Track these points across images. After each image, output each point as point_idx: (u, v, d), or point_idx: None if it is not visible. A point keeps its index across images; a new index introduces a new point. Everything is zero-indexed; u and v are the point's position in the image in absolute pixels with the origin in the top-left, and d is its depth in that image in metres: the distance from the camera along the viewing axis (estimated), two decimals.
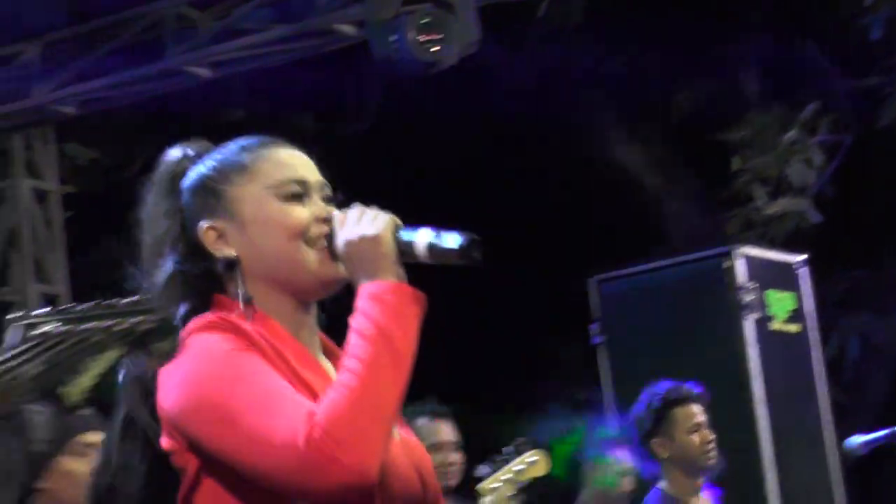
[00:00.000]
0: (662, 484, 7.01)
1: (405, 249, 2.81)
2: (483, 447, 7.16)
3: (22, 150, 11.02)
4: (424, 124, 13.44)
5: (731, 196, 13.34)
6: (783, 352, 8.86)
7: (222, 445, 2.69)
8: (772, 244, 11.15)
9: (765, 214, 12.95)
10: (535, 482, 6.97)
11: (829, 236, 12.62)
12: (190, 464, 2.78)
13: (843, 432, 7.05)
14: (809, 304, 9.21)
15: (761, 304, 8.81)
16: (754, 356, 8.65)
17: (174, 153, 3.04)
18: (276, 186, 2.91)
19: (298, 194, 2.92)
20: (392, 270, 2.78)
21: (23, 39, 10.28)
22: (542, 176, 14.53)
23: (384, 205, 2.87)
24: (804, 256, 9.42)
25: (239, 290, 2.87)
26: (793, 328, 9.08)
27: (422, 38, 8.56)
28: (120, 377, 2.77)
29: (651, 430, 7.03)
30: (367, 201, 2.87)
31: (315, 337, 2.99)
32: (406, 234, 2.82)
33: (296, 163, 2.98)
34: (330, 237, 2.88)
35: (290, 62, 10.35)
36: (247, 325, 2.78)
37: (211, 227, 2.90)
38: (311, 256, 2.88)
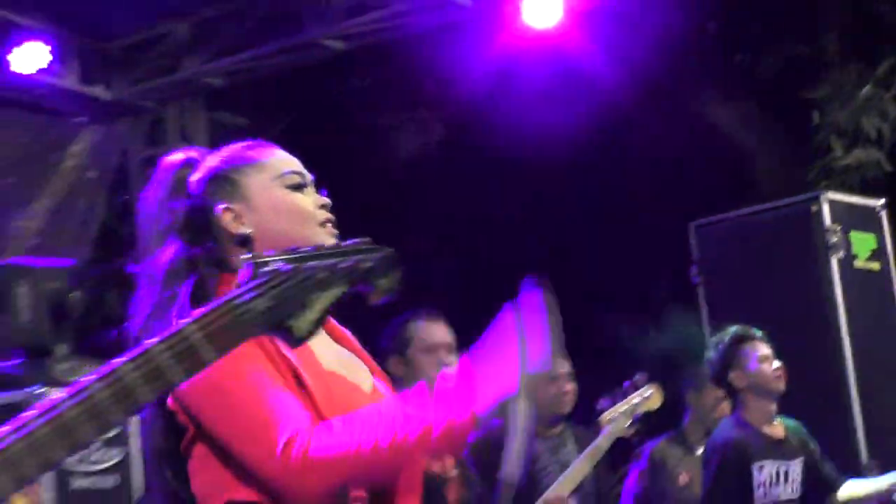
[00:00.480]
0: (740, 411, 7.08)
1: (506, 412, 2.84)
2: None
3: (176, 118, 11.03)
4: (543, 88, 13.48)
5: (813, 148, 13.21)
6: (865, 288, 8.77)
7: (218, 431, 2.85)
8: (850, 191, 11.02)
9: (842, 164, 12.83)
10: (650, 414, 7.01)
11: None
12: (189, 428, 2.92)
13: None
14: (889, 244, 9.16)
15: (845, 244, 8.73)
16: (839, 292, 8.59)
17: (177, 157, 3.23)
18: (282, 177, 3.14)
19: (300, 184, 3.15)
20: (487, 409, 2.79)
21: (172, 19, 10.27)
22: (649, 135, 14.47)
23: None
24: (883, 200, 9.34)
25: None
26: (874, 266, 9.01)
27: None
28: None
29: (727, 365, 7.08)
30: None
31: None
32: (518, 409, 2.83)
33: (293, 160, 3.22)
34: (334, 222, 3.12)
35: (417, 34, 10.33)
36: None
37: (227, 209, 3.08)
38: (320, 236, 3.06)
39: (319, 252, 2.35)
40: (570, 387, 7.04)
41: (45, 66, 9.65)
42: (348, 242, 2.44)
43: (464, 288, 12.82)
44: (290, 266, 2.28)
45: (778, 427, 7.14)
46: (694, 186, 13.04)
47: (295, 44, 10.06)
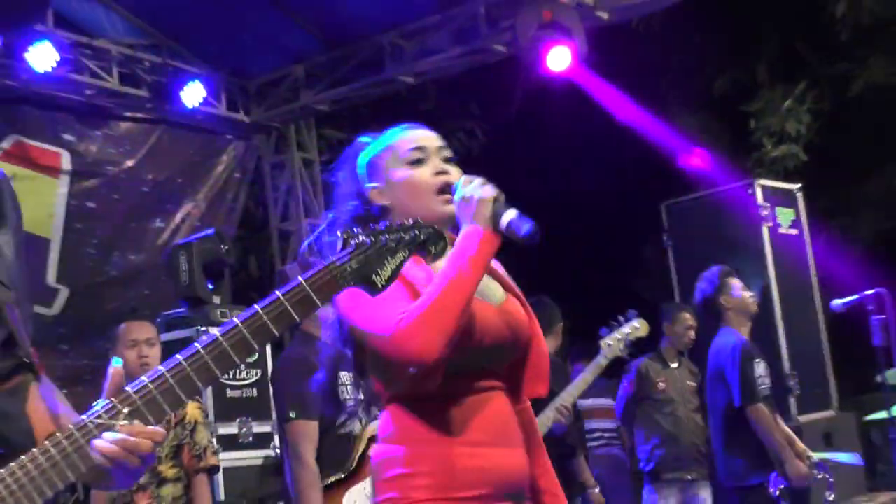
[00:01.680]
0: (730, 326, 6.93)
1: (496, 217, 2.79)
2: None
3: (294, 134, 11.15)
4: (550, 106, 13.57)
5: (751, 145, 13.29)
6: (787, 247, 8.86)
7: (355, 333, 2.86)
8: (777, 177, 11.13)
9: (772, 156, 12.94)
10: (639, 339, 6.97)
11: (814, 170, 12.57)
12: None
13: (825, 299, 7.09)
14: (803, 216, 9.25)
15: (773, 217, 8.86)
16: (769, 251, 8.74)
17: (354, 145, 3.17)
18: (404, 155, 2.98)
19: (419, 159, 2.98)
20: (483, 222, 2.79)
21: (293, 63, 10.42)
22: (634, 139, 14.54)
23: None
24: (799, 185, 9.47)
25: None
26: (793, 231, 9.11)
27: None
28: None
29: (717, 292, 6.97)
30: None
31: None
32: (501, 207, 2.80)
33: (418, 136, 3.03)
34: (450, 186, 2.93)
35: (463, 71, 10.34)
36: None
37: (373, 187, 3.01)
38: (435, 204, 2.93)
39: (389, 229, 2.41)
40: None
41: (202, 99, 9.80)
42: (407, 223, 2.46)
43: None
44: (369, 239, 2.38)
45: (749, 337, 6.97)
46: (665, 175, 13.21)
47: (379, 80, 10.11)
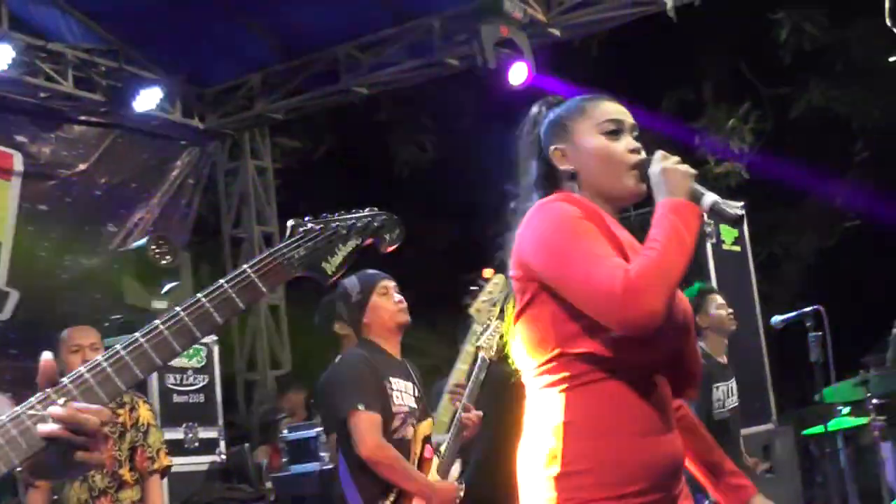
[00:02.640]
0: (702, 345, 6.70)
1: (695, 194, 2.68)
2: None
3: (248, 141, 11.16)
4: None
5: (695, 162, 13.38)
6: (730, 263, 8.88)
7: (561, 282, 2.61)
8: (720, 194, 11.21)
9: (716, 172, 13.04)
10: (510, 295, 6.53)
11: (756, 188, 12.70)
12: (529, 288, 2.70)
13: (765, 314, 7.12)
14: (746, 234, 9.25)
15: (717, 233, 8.88)
16: (712, 266, 8.70)
17: (535, 107, 2.99)
18: (600, 124, 2.81)
19: (615, 131, 2.81)
20: (687, 195, 2.66)
21: (248, 72, 10.43)
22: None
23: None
24: (742, 203, 9.54)
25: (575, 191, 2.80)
26: (736, 248, 9.13)
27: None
28: None
29: (694, 310, 6.83)
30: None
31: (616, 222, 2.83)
32: (699, 187, 2.71)
33: (615, 109, 2.87)
34: (641, 165, 2.77)
35: (417, 84, 10.38)
36: (586, 202, 2.74)
37: (557, 149, 2.84)
38: (626, 178, 2.78)
39: (342, 216, 2.34)
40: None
41: (157, 104, 9.78)
42: (361, 211, 2.40)
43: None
44: (319, 226, 2.29)
45: (724, 356, 6.87)
46: None
47: (334, 90, 10.15)
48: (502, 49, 8.58)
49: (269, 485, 8.00)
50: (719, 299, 6.88)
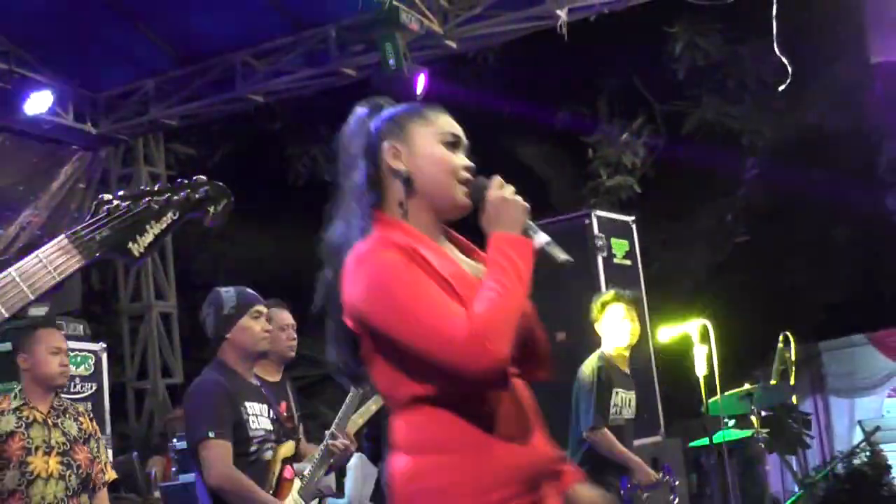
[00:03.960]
0: (603, 348, 6.89)
1: (528, 231, 2.69)
2: None
3: (141, 148, 11.08)
4: None
5: (588, 174, 13.52)
6: (621, 277, 8.77)
7: (403, 337, 2.56)
8: (612, 207, 11.30)
9: (608, 185, 13.15)
10: None
11: (647, 202, 12.83)
12: (365, 338, 2.67)
13: (655, 327, 7.18)
14: (637, 247, 9.26)
15: (608, 247, 8.83)
16: (602, 279, 8.62)
17: (363, 107, 2.90)
18: (442, 133, 2.80)
19: (454, 143, 2.81)
20: (520, 232, 2.67)
21: (143, 78, 10.32)
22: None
23: None
24: (633, 217, 9.61)
25: (401, 197, 2.76)
26: (627, 262, 9.09)
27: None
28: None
29: (594, 319, 6.92)
30: None
31: (442, 234, 2.84)
32: (532, 224, 2.71)
33: (455, 124, 2.87)
34: (473, 183, 2.77)
35: (313, 93, 10.35)
36: (403, 241, 2.65)
37: (392, 146, 2.77)
38: (457, 191, 2.76)
39: (157, 189, 2.19)
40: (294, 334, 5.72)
41: (48, 108, 9.60)
42: (186, 180, 2.25)
43: None
44: (126, 203, 2.15)
45: (627, 367, 6.88)
46: None
47: (229, 98, 10.10)
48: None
49: (157, 494, 7.90)
50: (623, 309, 6.89)
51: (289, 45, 9.74)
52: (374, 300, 2.59)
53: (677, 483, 6.83)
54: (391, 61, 8.47)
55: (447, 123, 2.85)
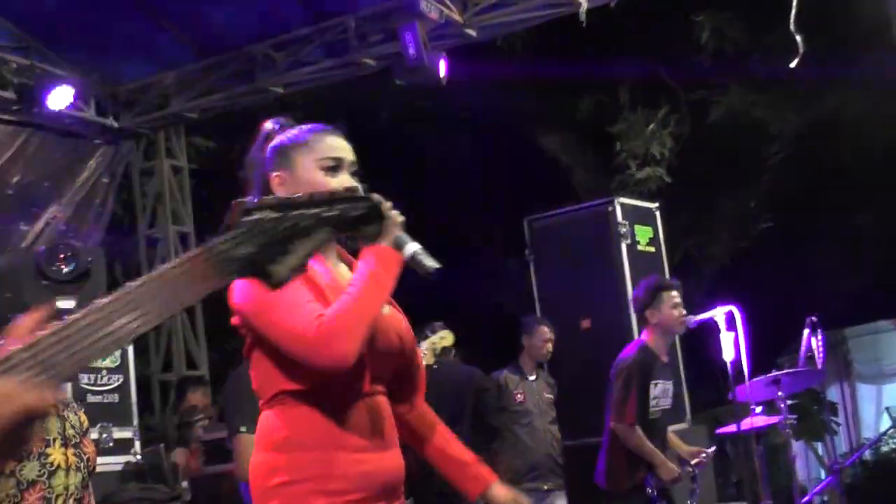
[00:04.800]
0: (646, 339, 6.90)
1: (398, 242, 2.83)
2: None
3: (163, 141, 10.98)
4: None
5: (615, 167, 13.44)
6: (644, 264, 8.85)
7: (267, 331, 2.81)
8: (640, 197, 11.23)
9: (636, 178, 13.08)
10: (446, 349, 6.84)
11: (673, 190, 12.75)
12: (248, 335, 2.92)
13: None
14: (661, 234, 9.32)
15: (631, 234, 8.89)
16: (626, 266, 8.72)
17: (269, 125, 3.12)
18: (320, 160, 2.98)
19: (334, 167, 2.98)
20: (391, 242, 2.81)
21: (163, 71, 10.29)
22: (503, 155, 14.62)
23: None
24: (657, 204, 9.58)
25: None
26: (651, 249, 9.15)
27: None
28: None
29: (646, 303, 6.90)
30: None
31: (333, 252, 3.04)
32: (403, 235, 2.85)
33: (337, 146, 3.02)
34: None
35: (333, 84, 10.30)
36: None
37: (277, 175, 2.99)
38: None
39: (311, 200, 1.84)
40: None
41: (70, 103, 9.54)
42: (334, 191, 1.93)
43: None
44: (275, 215, 1.78)
45: (666, 355, 6.95)
46: (530, 192, 13.28)
47: (249, 90, 10.04)
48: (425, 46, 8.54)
49: (184, 485, 7.91)
50: (676, 298, 6.89)
51: (308, 35, 9.66)
52: (251, 302, 2.82)
53: (697, 472, 6.84)
54: (411, 50, 8.44)
55: (328, 148, 3.02)
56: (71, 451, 5.46)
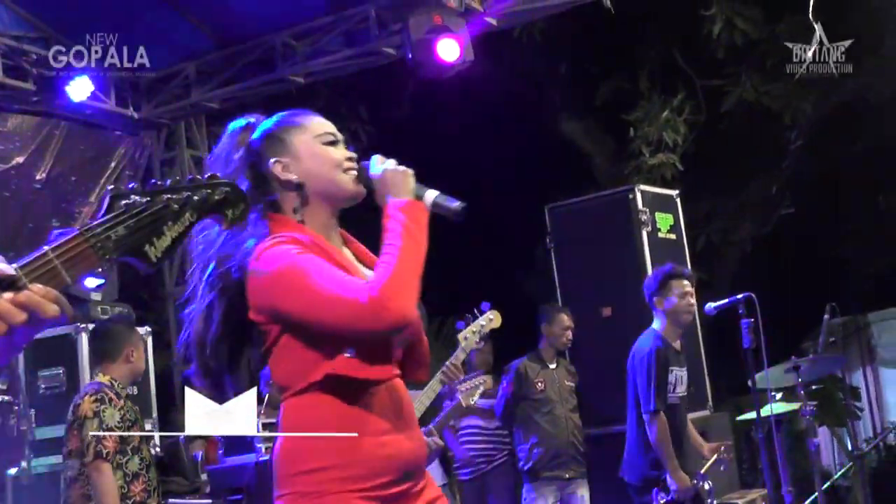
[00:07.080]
0: (660, 328, 6.91)
1: (417, 192, 2.89)
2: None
3: (184, 131, 11.05)
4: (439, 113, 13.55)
5: (629, 153, 13.38)
6: (665, 251, 8.79)
7: (305, 312, 2.72)
8: (654, 184, 11.19)
9: (650, 164, 13.03)
10: (493, 332, 6.69)
11: (688, 178, 12.69)
12: (272, 331, 2.82)
13: (703, 300, 7.13)
14: (682, 221, 9.26)
15: (652, 221, 8.84)
16: (647, 254, 8.68)
17: (240, 122, 3.07)
18: (321, 136, 3.00)
19: (333, 141, 3.01)
20: (412, 195, 2.88)
21: (184, 61, 10.29)
22: (520, 141, 14.59)
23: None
24: (677, 191, 9.53)
25: (295, 204, 2.94)
26: (672, 236, 9.10)
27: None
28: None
29: (655, 291, 6.93)
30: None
31: (338, 235, 3.04)
32: (420, 185, 2.92)
33: (326, 122, 3.06)
34: (358, 170, 2.99)
35: (353, 73, 10.32)
36: (300, 236, 2.83)
37: (278, 162, 2.96)
38: (346, 180, 2.97)
39: (175, 186, 1.99)
40: None
41: (90, 94, 9.43)
42: (202, 178, 2.09)
43: None
44: (145, 199, 1.93)
45: (678, 342, 6.95)
46: (549, 178, 13.25)
47: (270, 79, 10.03)
48: (436, 34, 8.48)
49: (204, 477, 7.92)
50: (686, 287, 6.91)
51: (328, 25, 9.62)
52: (280, 286, 2.75)
53: (710, 488, 6.86)
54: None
55: (320, 125, 3.05)
56: (146, 448, 5.95)
